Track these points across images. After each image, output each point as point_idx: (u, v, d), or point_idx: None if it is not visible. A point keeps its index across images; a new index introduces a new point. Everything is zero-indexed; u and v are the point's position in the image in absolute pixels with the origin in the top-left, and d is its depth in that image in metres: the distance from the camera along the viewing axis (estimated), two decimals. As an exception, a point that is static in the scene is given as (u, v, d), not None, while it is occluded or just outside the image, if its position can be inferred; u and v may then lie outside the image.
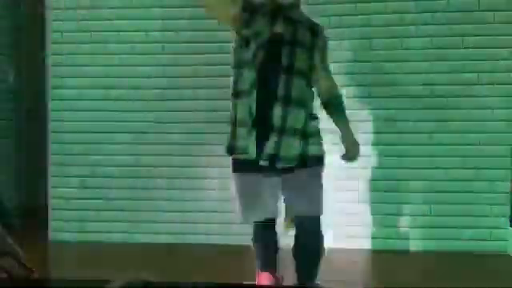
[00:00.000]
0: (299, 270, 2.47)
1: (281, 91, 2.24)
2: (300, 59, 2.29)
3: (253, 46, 2.26)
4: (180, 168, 3.87)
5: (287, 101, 2.25)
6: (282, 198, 2.42)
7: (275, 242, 2.58)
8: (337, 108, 2.43)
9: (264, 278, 2.56)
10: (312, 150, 2.35)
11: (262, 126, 2.25)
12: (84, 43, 3.91)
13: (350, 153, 2.38)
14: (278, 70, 2.25)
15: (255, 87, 2.25)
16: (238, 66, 2.32)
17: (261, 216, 2.41)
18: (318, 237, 2.41)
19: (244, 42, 2.30)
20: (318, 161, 2.39)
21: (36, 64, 5.22)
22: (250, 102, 2.26)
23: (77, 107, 3.93)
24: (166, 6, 3.85)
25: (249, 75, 2.26)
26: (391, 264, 3.35)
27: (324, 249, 2.47)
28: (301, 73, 2.29)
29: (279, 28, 2.30)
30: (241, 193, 2.42)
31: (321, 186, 2.40)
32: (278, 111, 2.24)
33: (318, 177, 2.39)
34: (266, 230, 2.53)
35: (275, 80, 2.25)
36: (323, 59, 2.41)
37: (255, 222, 2.47)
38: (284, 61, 2.26)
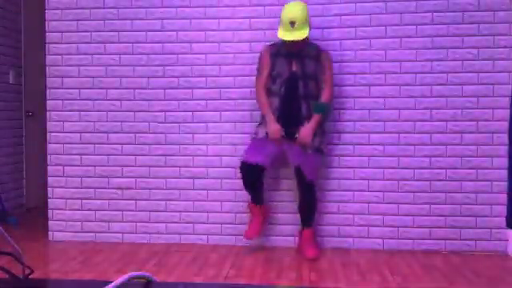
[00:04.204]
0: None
1: (303, 109, 3.40)
2: (311, 85, 3.41)
3: (278, 81, 3.42)
4: (180, 168, 3.87)
5: (309, 117, 3.42)
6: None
7: (261, 181, 3.50)
8: (325, 109, 3.46)
9: (255, 207, 3.52)
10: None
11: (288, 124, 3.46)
12: (84, 43, 3.92)
13: (301, 140, 3.39)
14: (299, 95, 3.40)
15: (280, 108, 3.44)
16: (270, 94, 3.47)
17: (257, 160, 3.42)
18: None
19: (273, 79, 3.45)
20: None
21: (36, 64, 5.23)
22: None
23: (76, 107, 3.94)
24: (167, 6, 3.85)
25: (275, 101, 3.44)
26: (391, 263, 3.35)
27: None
28: (313, 95, 3.43)
29: (294, 67, 3.41)
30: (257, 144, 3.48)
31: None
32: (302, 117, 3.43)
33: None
34: (254, 174, 3.42)
35: (299, 102, 3.40)
36: (325, 74, 3.46)
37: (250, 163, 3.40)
38: (301, 89, 3.39)
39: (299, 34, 3.28)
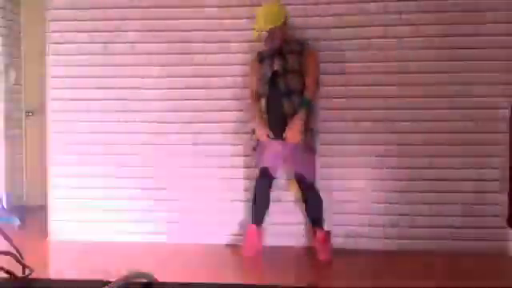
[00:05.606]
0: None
1: (287, 106, 3.43)
2: (293, 80, 3.43)
3: (263, 82, 3.50)
4: (180, 168, 3.87)
5: (292, 112, 3.43)
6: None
7: (268, 202, 3.63)
8: (307, 105, 3.45)
9: (252, 228, 3.59)
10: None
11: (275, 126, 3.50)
12: (84, 43, 3.91)
13: (290, 137, 3.42)
14: (280, 93, 3.44)
15: (266, 107, 3.52)
16: (259, 97, 3.56)
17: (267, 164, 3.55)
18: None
19: (259, 82, 3.54)
20: None
21: (36, 64, 5.22)
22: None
23: (76, 107, 3.93)
24: (167, 6, 3.85)
25: (263, 101, 3.54)
26: (391, 264, 3.35)
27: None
28: (296, 90, 3.43)
29: (276, 66, 3.45)
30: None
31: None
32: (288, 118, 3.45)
33: None
34: (264, 190, 3.58)
35: (281, 99, 3.44)
36: (310, 67, 3.47)
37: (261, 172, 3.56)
38: (281, 86, 3.43)
39: (272, 24, 3.39)
